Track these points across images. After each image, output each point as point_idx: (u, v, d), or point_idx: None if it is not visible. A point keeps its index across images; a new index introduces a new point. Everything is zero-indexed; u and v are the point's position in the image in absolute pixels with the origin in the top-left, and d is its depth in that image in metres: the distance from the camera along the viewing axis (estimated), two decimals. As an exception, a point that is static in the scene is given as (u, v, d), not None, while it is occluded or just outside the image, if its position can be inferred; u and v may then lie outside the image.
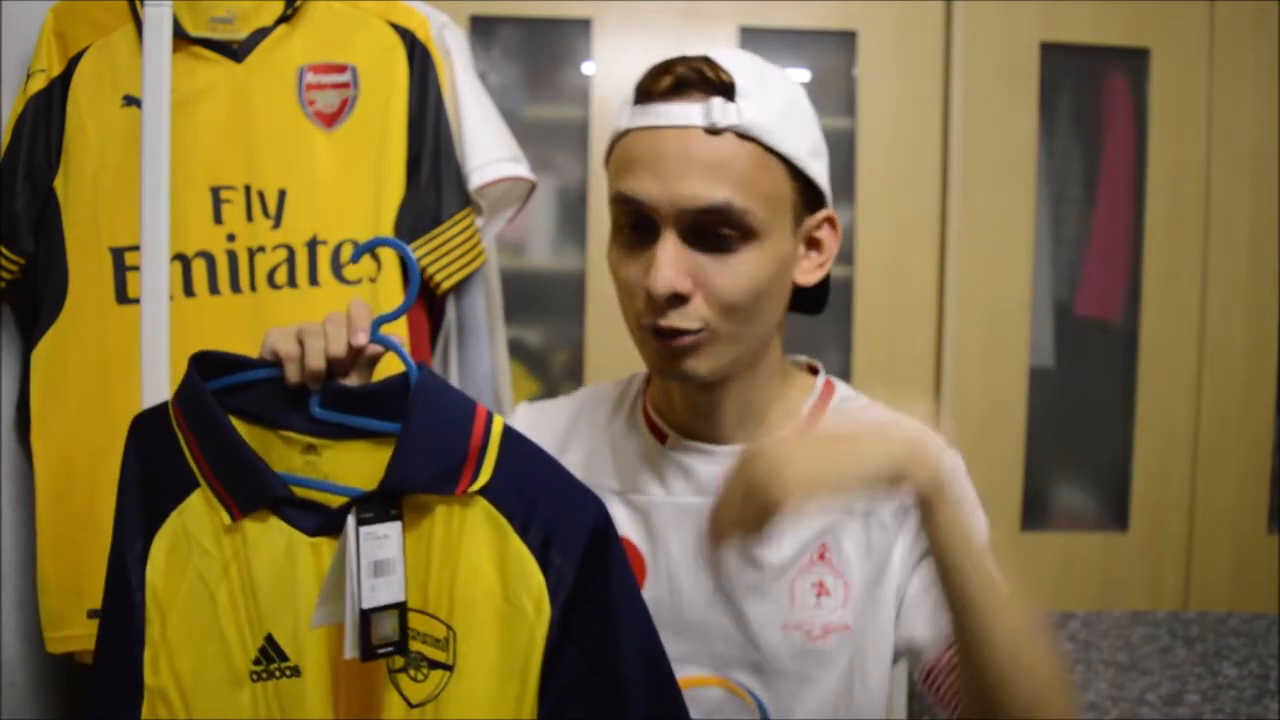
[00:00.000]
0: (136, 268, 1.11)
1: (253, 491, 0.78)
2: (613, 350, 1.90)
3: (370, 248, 0.82)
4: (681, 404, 0.89)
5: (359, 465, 0.78)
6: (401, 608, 0.75)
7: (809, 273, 0.86)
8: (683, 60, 0.81)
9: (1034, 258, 2.03)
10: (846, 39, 2.01)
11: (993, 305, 2.01)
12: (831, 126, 2.04)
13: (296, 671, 0.78)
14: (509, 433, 0.78)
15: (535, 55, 2.11)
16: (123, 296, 1.16)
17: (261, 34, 1.18)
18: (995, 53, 1.99)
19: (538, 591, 0.76)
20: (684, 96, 0.80)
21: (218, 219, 1.18)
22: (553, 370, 2.09)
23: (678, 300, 0.79)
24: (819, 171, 0.85)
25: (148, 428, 0.82)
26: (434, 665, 0.77)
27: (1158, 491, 2.06)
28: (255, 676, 0.78)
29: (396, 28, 1.21)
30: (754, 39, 1.99)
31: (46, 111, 1.17)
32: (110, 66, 1.17)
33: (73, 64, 1.17)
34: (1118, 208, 2.10)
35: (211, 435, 0.78)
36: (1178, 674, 1.97)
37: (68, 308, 1.16)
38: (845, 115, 2.01)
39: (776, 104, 0.81)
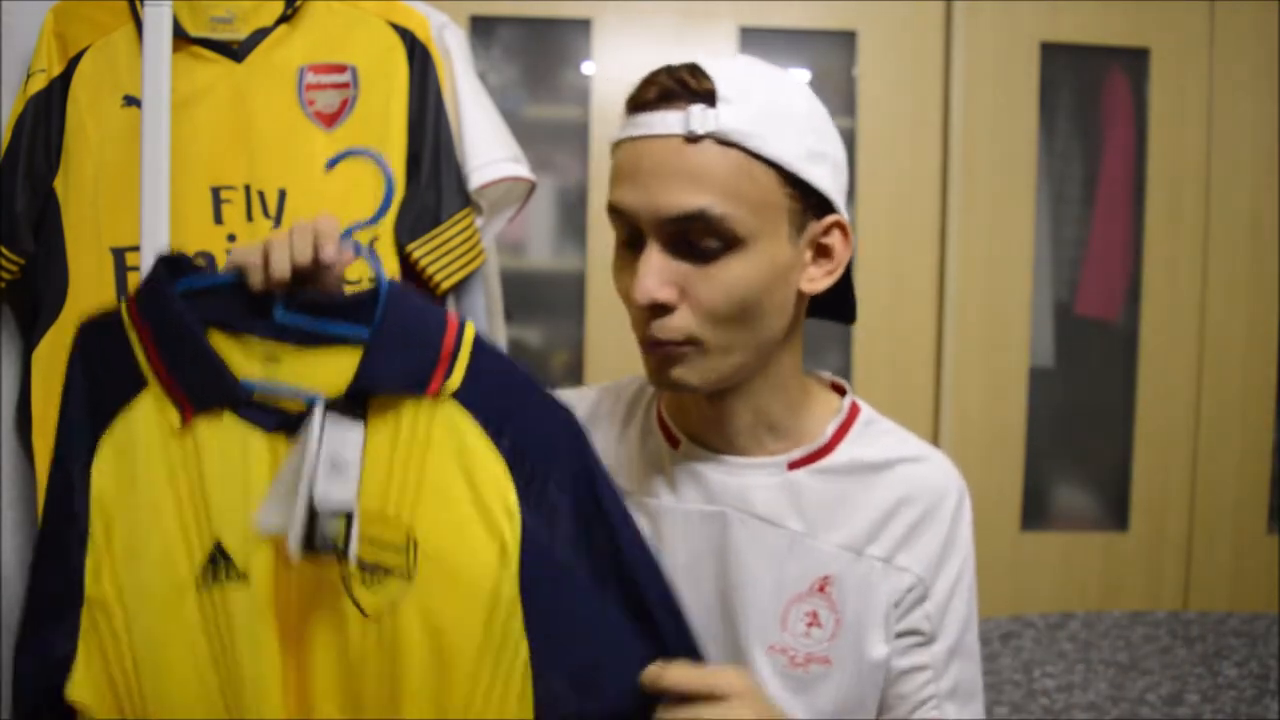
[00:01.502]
0: (137, 268, 1.10)
1: (209, 388, 0.75)
2: (613, 350, 1.90)
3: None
4: (694, 411, 0.88)
5: (322, 374, 0.75)
6: (350, 516, 0.73)
7: (816, 280, 0.85)
8: (668, 70, 0.81)
9: (1034, 258, 2.04)
10: (846, 39, 2.01)
11: (993, 305, 2.01)
12: (831, 126, 2.06)
13: (244, 577, 0.75)
14: (481, 342, 0.77)
15: (535, 55, 2.11)
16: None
17: (261, 34, 1.18)
18: (995, 53, 1.99)
19: (508, 499, 0.74)
20: (666, 105, 0.80)
21: (218, 219, 1.17)
22: (553, 370, 2.09)
23: (661, 310, 0.79)
24: (820, 176, 0.83)
25: (95, 333, 0.79)
26: (391, 572, 0.75)
27: (1158, 491, 2.06)
28: (201, 585, 0.75)
29: (396, 28, 1.21)
30: (754, 39, 2.00)
31: (46, 111, 1.17)
32: (110, 66, 1.17)
33: (73, 64, 1.17)
34: (1118, 208, 2.10)
35: (171, 330, 0.75)
36: (1178, 674, 1.97)
37: (68, 308, 1.16)
38: (845, 115, 2.02)
39: (762, 109, 0.80)
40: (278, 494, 0.74)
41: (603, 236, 1.94)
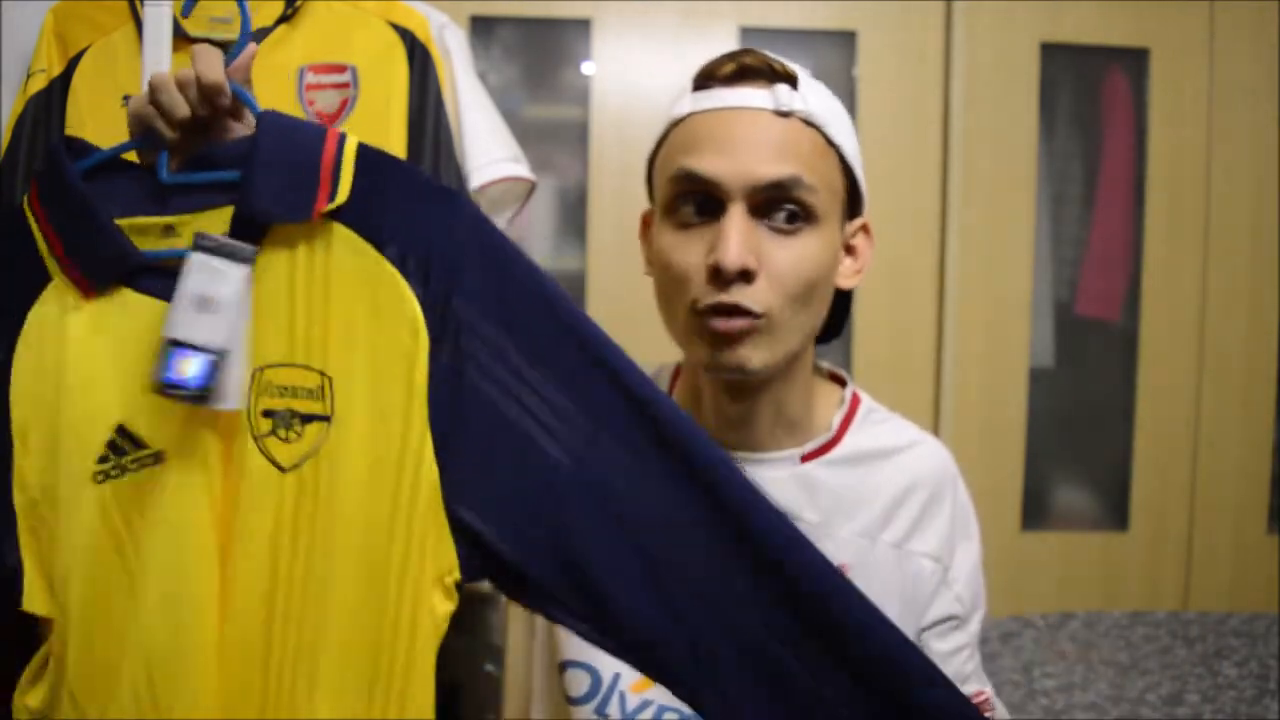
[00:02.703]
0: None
1: (105, 259, 0.71)
2: (613, 350, 1.90)
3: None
4: (712, 410, 0.88)
5: (221, 231, 0.71)
6: (220, 355, 0.69)
7: (848, 277, 0.87)
8: (746, 51, 0.84)
9: (1034, 258, 2.04)
10: (846, 39, 2.01)
11: (993, 305, 2.01)
12: (831, 126, 2.05)
13: (160, 458, 0.71)
14: (366, 151, 0.72)
15: (535, 55, 2.11)
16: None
17: (261, 34, 1.18)
18: (995, 53, 1.99)
19: (412, 315, 0.71)
20: (749, 82, 0.82)
21: (218, 219, 1.17)
22: (553, 370, 2.09)
23: (745, 277, 0.78)
24: (862, 177, 0.88)
25: None
26: (308, 419, 0.71)
27: (1158, 491, 2.06)
28: (100, 476, 0.71)
29: (396, 28, 1.21)
30: (754, 39, 1.99)
31: (46, 111, 1.17)
32: (110, 66, 1.17)
33: (73, 64, 1.17)
34: (1118, 208, 2.10)
35: (68, 209, 0.72)
36: (1178, 674, 1.97)
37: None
38: (845, 115, 2.02)
39: (831, 102, 0.85)
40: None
41: (603, 236, 1.94)
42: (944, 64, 2.00)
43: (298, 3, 1.18)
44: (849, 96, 2.02)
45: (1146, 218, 2.05)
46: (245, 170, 0.70)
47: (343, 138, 0.73)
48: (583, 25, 1.98)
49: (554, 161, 2.04)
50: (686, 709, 0.85)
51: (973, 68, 1.98)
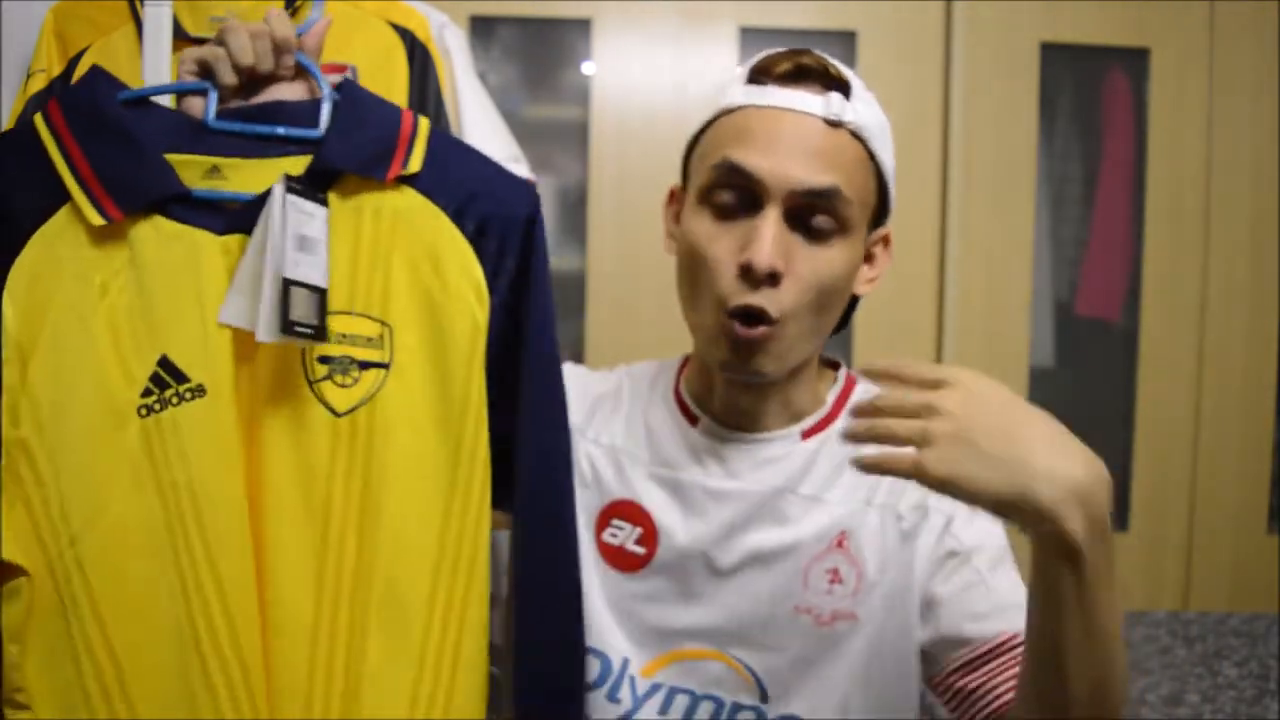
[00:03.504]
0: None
1: (142, 184, 0.69)
2: (613, 350, 1.90)
3: None
4: (721, 399, 0.91)
5: (274, 180, 0.71)
6: (322, 294, 0.70)
7: (863, 284, 0.89)
8: (805, 51, 0.85)
9: (1034, 258, 2.03)
10: (846, 39, 2.01)
11: (993, 305, 2.01)
12: (831, 126, 2.05)
13: (201, 391, 0.69)
14: (437, 129, 0.77)
15: (535, 55, 2.11)
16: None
17: (261, 34, 1.18)
18: (995, 53, 1.99)
19: (477, 279, 0.75)
20: (803, 85, 0.83)
21: (218, 219, 1.17)
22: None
23: (771, 279, 0.79)
24: (893, 190, 0.88)
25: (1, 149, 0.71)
26: (366, 366, 0.73)
27: (1158, 491, 2.06)
28: (144, 410, 0.69)
29: (396, 28, 1.21)
30: (754, 39, 1.99)
31: (46, 111, 1.17)
32: (110, 66, 1.16)
33: (73, 64, 1.17)
34: (1118, 208, 2.10)
35: (99, 130, 0.69)
36: (1178, 674, 1.97)
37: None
38: (845, 115, 2.01)
39: (877, 116, 0.86)
40: (242, 282, 0.69)
41: (603, 236, 1.94)
42: (944, 64, 2.00)
43: (297, 3, 1.18)
44: (849, 96, 2.02)
45: (1146, 218, 2.04)
46: (329, 127, 0.73)
47: (416, 117, 0.77)
48: (583, 25, 1.98)
49: (554, 161, 2.04)
50: (697, 689, 0.86)
51: (973, 68, 1.98)
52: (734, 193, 0.82)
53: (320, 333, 0.70)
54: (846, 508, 0.86)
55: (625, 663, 0.88)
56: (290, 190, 0.70)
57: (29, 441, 0.69)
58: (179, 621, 0.69)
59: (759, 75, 0.85)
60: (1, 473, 0.69)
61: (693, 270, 0.85)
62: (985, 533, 0.86)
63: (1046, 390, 2.08)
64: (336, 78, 1.21)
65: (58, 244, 0.70)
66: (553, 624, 0.80)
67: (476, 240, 0.76)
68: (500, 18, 2.01)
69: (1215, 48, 2.01)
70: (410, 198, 0.74)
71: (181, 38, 1.13)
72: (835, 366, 0.97)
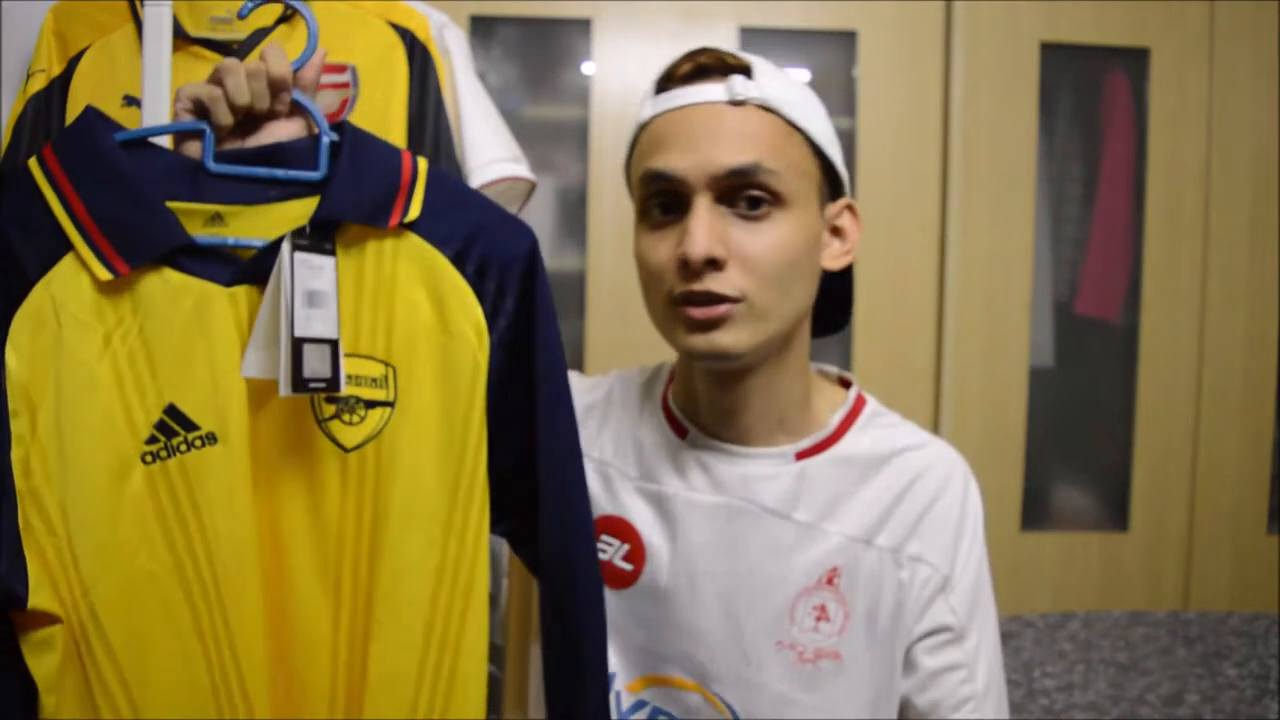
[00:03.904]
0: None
1: (147, 237, 0.69)
2: (613, 350, 1.90)
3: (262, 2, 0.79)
4: (705, 401, 0.88)
5: (276, 226, 0.72)
6: (334, 345, 0.73)
7: (837, 258, 0.88)
8: (701, 50, 0.85)
9: (1034, 258, 2.03)
10: (846, 39, 2.01)
11: (993, 305, 2.01)
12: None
13: (212, 439, 0.71)
14: (436, 170, 0.79)
15: (535, 55, 2.11)
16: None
17: (261, 34, 1.18)
18: (995, 53, 1.99)
19: (477, 319, 0.77)
20: (705, 79, 0.83)
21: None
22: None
23: (713, 266, 0.79)
24: (837, 156, 0.87)
25: None
26: (371, 405, 0.75)
27: (1158, 491, 2.06)
28: (149, 457, 0.70)
29: (396, 28, 1.21)
30: (754, 39, 1.99)
31: (46, 111, 1.17)
32: (110, 66, 1.17)
33: (73, 64, 1.17)
34: (1118, 208, 2.10)
35: (99, 177, 0.69)
36: (1178, 674, 1.97)
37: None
38: (845, 115, 2.01)
39: (793, 86, 0.85)
40: (259, 337, 0.71)
41: (603, 236, 1.94)
42: (944, 64, 2.00)
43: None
44: (849, 96, 2.02)
45: (1146, 218, 2.04)
46: (331, 176, 0.74)
47: (415, 158, 0.78)
48: (583, 25, 1.98)
49: (554, 161, 2.04)
50: (678, 714, 0.85)
51: (973, 68, 1.98)
52: (663, 199, 0.82)
53: (334, 383, 0.73)
54: (842, 542, 0.84)
55: (612, 677, 0.87)
56: (299, 246, 0.71)
57: (40, 491, 0.69)
58: (195, 668, 0.71)
59: (664, 84, 0.85)
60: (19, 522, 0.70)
61: (646, 284, 0.85)
62: (981, 611, 0.85)
63: (1046, 390, 2.08)
64: (338, 82, 1.21)
65: (62, 293, 0.70)
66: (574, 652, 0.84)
67: (476, 282, 0.77)
68: (500, 18, 2.01)
69: (1215, 48, 2.01)
70: (410, 241, 0.76)
71: (181, 37, 1.13)
72: (847, 385, 0.94)
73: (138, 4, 1.15)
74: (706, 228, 0.78)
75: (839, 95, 2.04)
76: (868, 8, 1.99)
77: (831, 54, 2.07)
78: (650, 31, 1.96)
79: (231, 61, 0.75)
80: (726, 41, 1.97)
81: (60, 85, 1.17)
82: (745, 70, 0.83)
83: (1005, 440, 2.03)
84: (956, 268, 1.99)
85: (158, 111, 0.95)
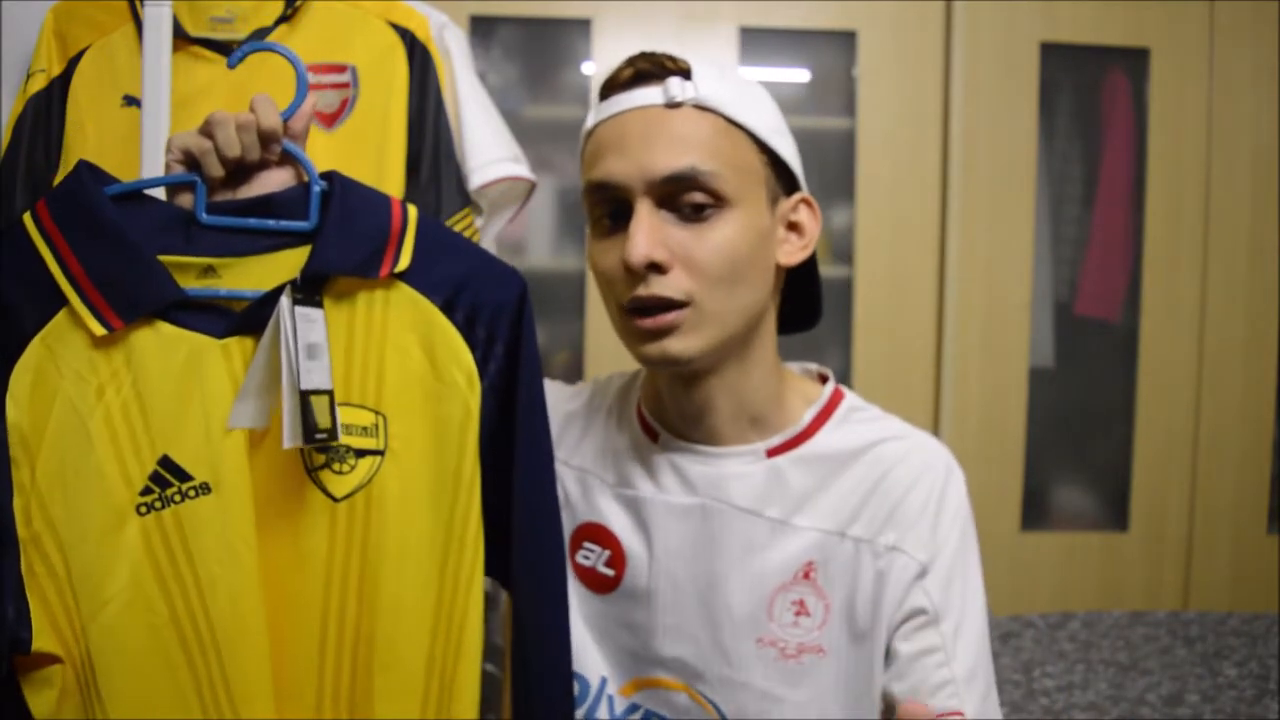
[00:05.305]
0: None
1: (140, 292, 0.71)
2: (613, 350, 1.90)
3: (257, 50, 0.79)
4: (672, 405, 0.88)
5: (269, 277, 0.73)
6: (331, 395, 0.73)
7: (794, 253, 0.87)
8: (641, 55, 0.84)
9: (1034, 258, 2.03)
10: (846, 39, 2.01)
11: (993, 305, 2.01)
12: (831, 126, 2.05)
13: (206, 489, 0.72)
14: (425, 219, 0.79)
15: (535, 55, 2.11)
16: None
17: (261, 34, 1.18)
18: (995, 53, 1.99)
19: (468, 366, 0.78)
20: (643, 84, 0.83)
21: (218, 219, 1.17)
22: (553, 370, 2.09)
23: (656, 270, 0.79)
24: (787, 150, 0.86)
25: None
26: (362, 454, 0.76)
27: (1158, 491, 2.06)
28: (144, 508, 0.71)
29: (396, 28, 1.21)
30: (754, 39, 2.00)
31: (46, 111, 1.17)
32: (110, 66, 1.17)
33: (73, 64, 1.17)
34: (1118, 208, 2.10)
35: (92, 233, 0.70)
36: (1178, 674, 1.97)
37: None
38: (845, 115, 2.02)
39: (734, 84, 0.84)
40: (249, 387, 0.72)
41: (603, 236, 1.94)
42: (944, 64, 2.00)
43: (298, 2, 1.18)
44: (849, 96, 2.02)
45: (1146, 218, 2.05)
46: (321, 229, 0.75)
47: (405, 207, 0.79)
48: (583, 25, 1.98)
49: (554, 161, 2.04)
50: (669, 715, 0.85)
51: (973, 68, 1.98)
52: (607, 208, 0.83)
53: (333, 433, 0.73)
54: (816, 536, 0.83)
55: (603, 682, 0.87)
56: (295, 300, 0.72)
57: (41, 537, 0.71)
58: (191, 715, 0.72)
59: (605, 92, 0.85)
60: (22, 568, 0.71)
61: (602, 293, 0.86)
62: (958, 594, 0.83)
63: (1046, 390, 2.08)
64: (338, 82, 1.21)
65: (58, 346, 0.71)
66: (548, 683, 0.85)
67: (466, 329, 0.78)
68: (500, 18, 2.01)
69: (1215, 48, 2.01)
70: (401, 290, 0.77)
71: (181, 37, 1.13)
72: (824, 380, 0.93)
73: (138, 4, 1.15)
74: (647, 232, 0.78)
75: (839, 95, 2.04)
76: (868, 8, 1.99)
77: (831, 54, 2.07)
78: (650, 31, 1.96)
79: (222, 114, 0.76)
80: (727, 42, 1.97)
81: (60, 85, 1.17)
82: (685, 73, 0.82)
83: (1005, 440, 2.03)
84: (956, 268, 1.99)
85: (157, 111, 0.95)
